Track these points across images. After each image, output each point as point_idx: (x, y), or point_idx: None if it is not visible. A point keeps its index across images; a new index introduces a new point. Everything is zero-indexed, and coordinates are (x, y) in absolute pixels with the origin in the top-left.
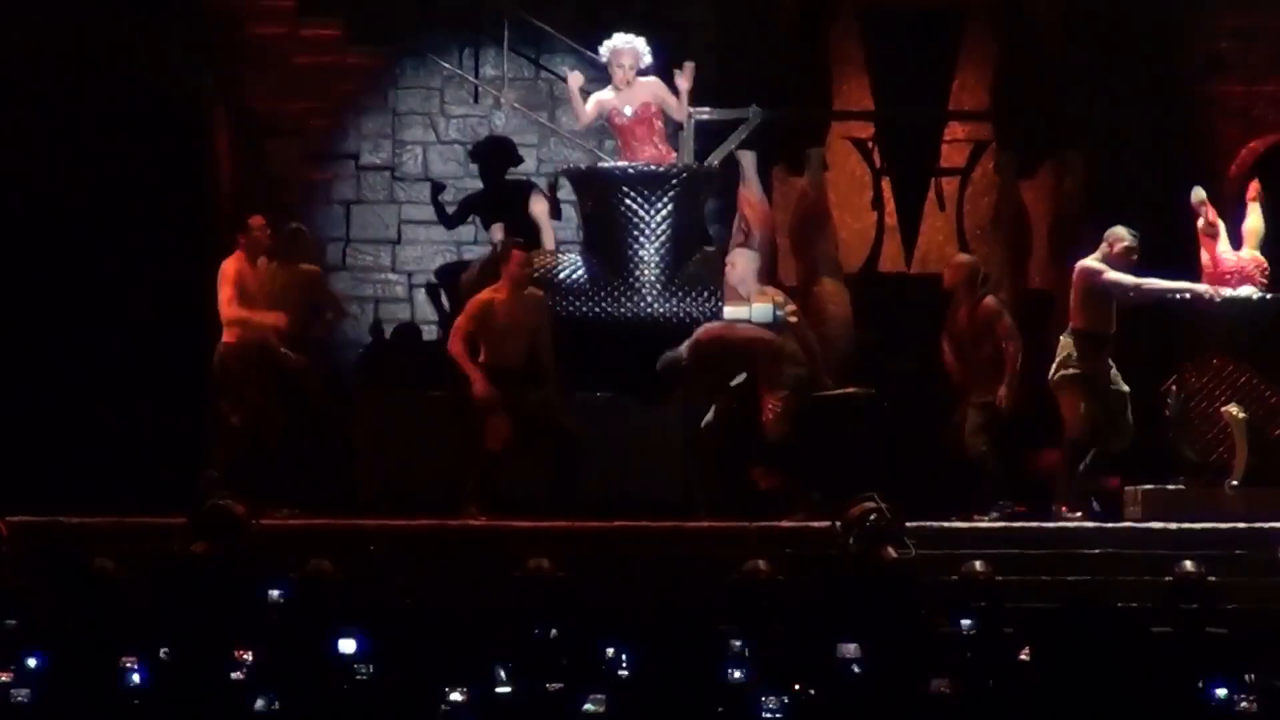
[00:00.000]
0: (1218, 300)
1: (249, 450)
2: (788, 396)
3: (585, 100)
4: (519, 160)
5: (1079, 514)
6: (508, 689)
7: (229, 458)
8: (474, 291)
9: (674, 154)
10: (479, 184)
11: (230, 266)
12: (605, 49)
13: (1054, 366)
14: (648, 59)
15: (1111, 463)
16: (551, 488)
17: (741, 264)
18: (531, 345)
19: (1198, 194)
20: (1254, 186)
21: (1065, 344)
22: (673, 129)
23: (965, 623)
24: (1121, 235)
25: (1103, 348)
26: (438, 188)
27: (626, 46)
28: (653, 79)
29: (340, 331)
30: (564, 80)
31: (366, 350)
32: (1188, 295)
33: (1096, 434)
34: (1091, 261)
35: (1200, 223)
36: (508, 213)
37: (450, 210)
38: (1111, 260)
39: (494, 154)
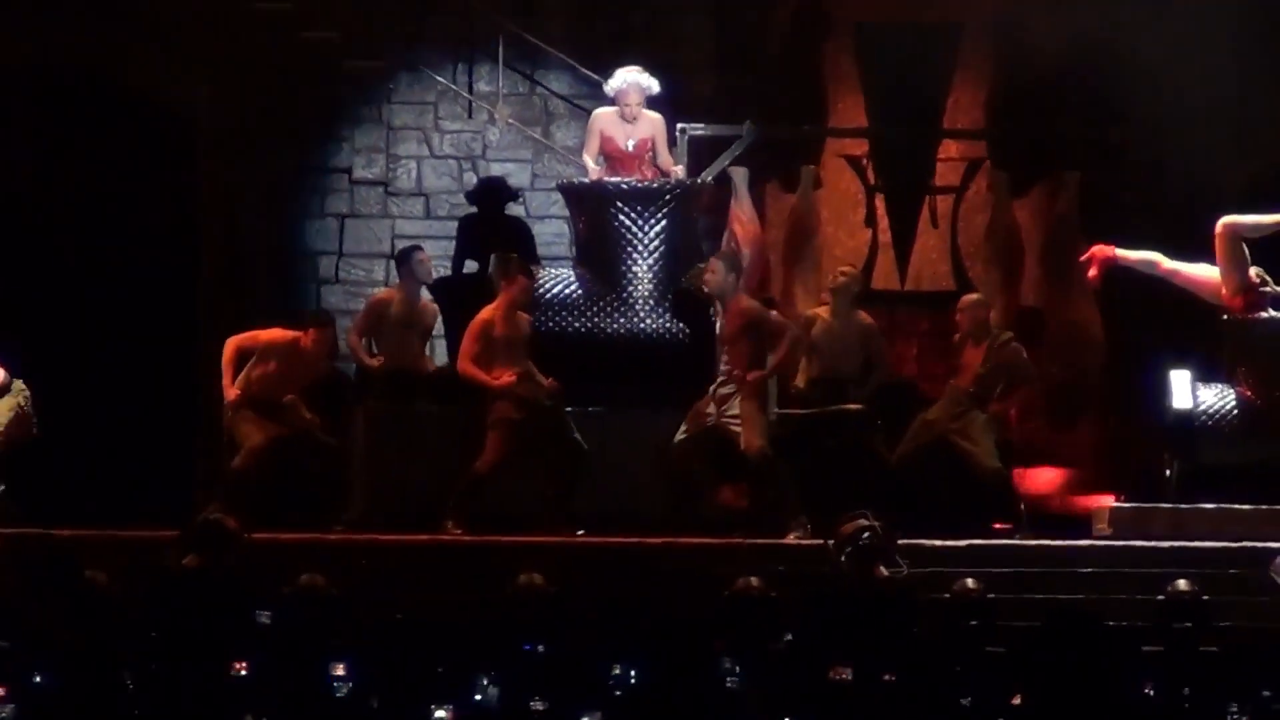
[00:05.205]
0: None
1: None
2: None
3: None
4: (515, 195)
5: None
6: (499, 705)
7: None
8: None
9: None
10: (473, 203)
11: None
12: (610, 88)
13: None
14: (654, 89)
15: None
16: (552, 502)
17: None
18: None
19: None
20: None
21: None
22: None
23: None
24: None
25: None
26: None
27: (631, 84)
28: (657, 117)
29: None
30: (558, 96)
31: (360, 365)
32: None
33: None
34: None
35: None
36: (501, 243)
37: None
38: None
39: (488, 194)
